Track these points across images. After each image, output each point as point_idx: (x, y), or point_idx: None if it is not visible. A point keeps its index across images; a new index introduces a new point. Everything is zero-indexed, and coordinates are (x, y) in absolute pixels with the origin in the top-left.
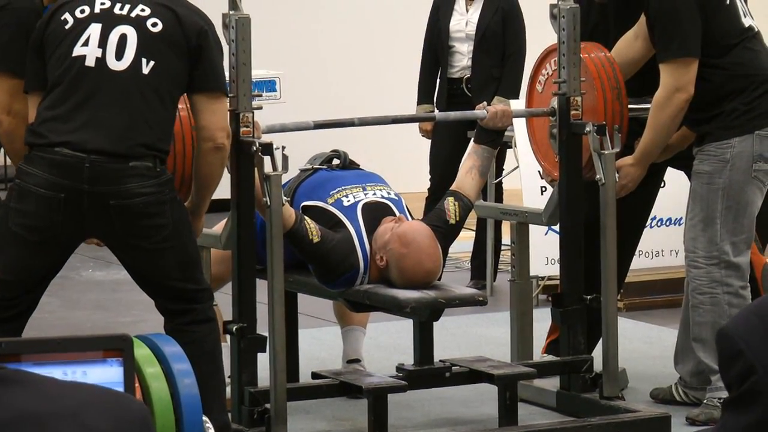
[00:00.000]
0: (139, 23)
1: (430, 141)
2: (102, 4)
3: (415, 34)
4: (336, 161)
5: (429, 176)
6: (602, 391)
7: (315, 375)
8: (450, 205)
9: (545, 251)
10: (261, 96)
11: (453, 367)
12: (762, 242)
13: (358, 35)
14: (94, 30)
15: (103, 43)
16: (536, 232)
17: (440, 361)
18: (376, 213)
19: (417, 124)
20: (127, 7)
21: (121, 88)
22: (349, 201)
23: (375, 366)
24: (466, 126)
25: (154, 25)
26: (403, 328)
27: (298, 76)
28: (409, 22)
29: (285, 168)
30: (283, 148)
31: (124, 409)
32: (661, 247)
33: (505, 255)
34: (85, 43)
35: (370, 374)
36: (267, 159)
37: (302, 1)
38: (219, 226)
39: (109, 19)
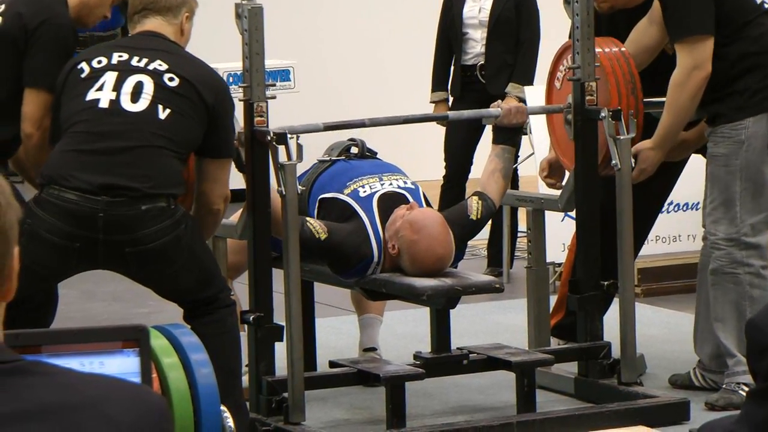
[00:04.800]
0: (155, 75)
1: (444, 128)
2: (120, 56)
3: (429, 22)
4: (354, 150)
5: (444, 164)
6: (620, 377)
7: (332, 364)
8: (474, 202)
9: (561, 238)
10: (275, 85)
11: (470, 355)
12: None
13: (372, 23)
14: (109, 77)
15: (117, 88)
16: (552, 218)
17: (457, 348)
18: (392, 203)
19: (431, 111)
20: (145, 60)
21: (136, 128)
22: (365, 192)
23: (392, 354)
24: None
25: (171, 79)
26: (420, 316)
27: (312, 66)
28: (424, 9)
29: (300, 157)
30: (297, 137)
31: (144, 400)
32: (678, 232)
33: (522, 242)
34: (100, 88)
35: (387, 362)
36: (281, 148)
37: None
38: (235, 216)
39: (125, 69)
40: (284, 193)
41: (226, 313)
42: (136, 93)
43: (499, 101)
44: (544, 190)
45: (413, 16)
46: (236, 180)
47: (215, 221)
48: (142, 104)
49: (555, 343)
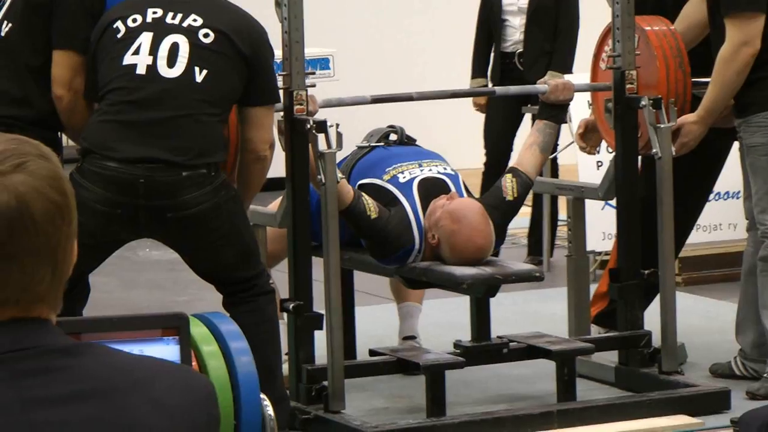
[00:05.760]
0: (190, 33)
1: (483, 116)
2: (154, 13)
3: (469, 9)
4: (393, 137)
5: (484, 151)
6: (661, 366)
7: (372, 352)
8: (507, 182)
9: (602, 226)
10: (314, 74)
11: (510, 343)
12: None
13: (411, 11)
14: (145, 39)
15: (154, 51)
16: (592, 207)
17: (497, 337)
18: (432, 189)
19: (471, 98)
20: (179, 16)
21: (174, 96)
22: (405, 177)
23: (432, 343)
24: (519, 101)
25: (206, 35)
26: (460, 305)
27: (351, 54)
28: None
29: (339, 145)
30: (337, 125)
31: (191, 383)
32: (719, 221)
33: (562, 230)
34: (136, 52)
35: (427, 351)
36: (321, 136)
37: None
38: (274, 205)
39: (160, 29)
40: (323, 181)
41: (264, 301)
42: (172, 56)
43: (546, 77)
44: (584, 178)
45: (453, 4)
46: (276, 168)
47: (263, 168)
48: (179, 68)
49: (595, 332)
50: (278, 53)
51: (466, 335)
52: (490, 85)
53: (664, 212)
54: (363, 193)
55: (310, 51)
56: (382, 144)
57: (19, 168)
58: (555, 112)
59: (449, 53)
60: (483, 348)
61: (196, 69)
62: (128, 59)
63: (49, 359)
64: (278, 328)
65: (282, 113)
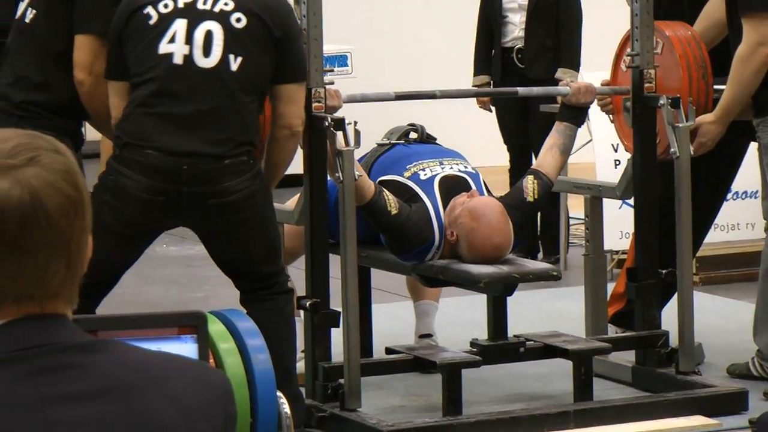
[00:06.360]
0: (223, 18)
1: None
2: None
3: None
4: (413, 135)
5: (506, 148)
6: (678, 366)
7: (389, 350)
8: (529, 183)
9: (619, 225)
10: (333, 71)
11: (527, 342)
12: None
13: (430, 8)
14: (180, 26)
15: (189, 40)
16: (610, 206)
17: (514, 336)
18: (453, 187)
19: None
20: (210, 1)
21: (211, 86)
22: (426, 175)
23: (448, 341)
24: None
25: (238, 20)
26: (476, 303)
27: (370, 52)
28: None
29: (357, 143)
30: (355, 123)
31: (208, 380)
32: (737, 221)
33: (579, 229)
34: (171, 40)
35: (443, 349)
36: (339, 134)
37: None
38: (292, 202)
39: (193, 15)
40: (341, 179)
41: (283, 300)
42: (208, 45)
43: (568, 79)
44: (602, 177)
45: (473, 1)
46: (294, 165)
47: (295, 145)
48: (214, 58)
49: (613, 332)
50: None
51: (482, 334)
52: (491, 82)
53: (682, 211)
54: (384, 189)
55: (329, 48)
56: (402, 142)
57: (32, 162)
58: (576, 114)
59: (468, 51)
60: (500, 347)
61: (231, 57)
62: (164, 48)
63: (64, 356)
64: (295, 327)
65: None
